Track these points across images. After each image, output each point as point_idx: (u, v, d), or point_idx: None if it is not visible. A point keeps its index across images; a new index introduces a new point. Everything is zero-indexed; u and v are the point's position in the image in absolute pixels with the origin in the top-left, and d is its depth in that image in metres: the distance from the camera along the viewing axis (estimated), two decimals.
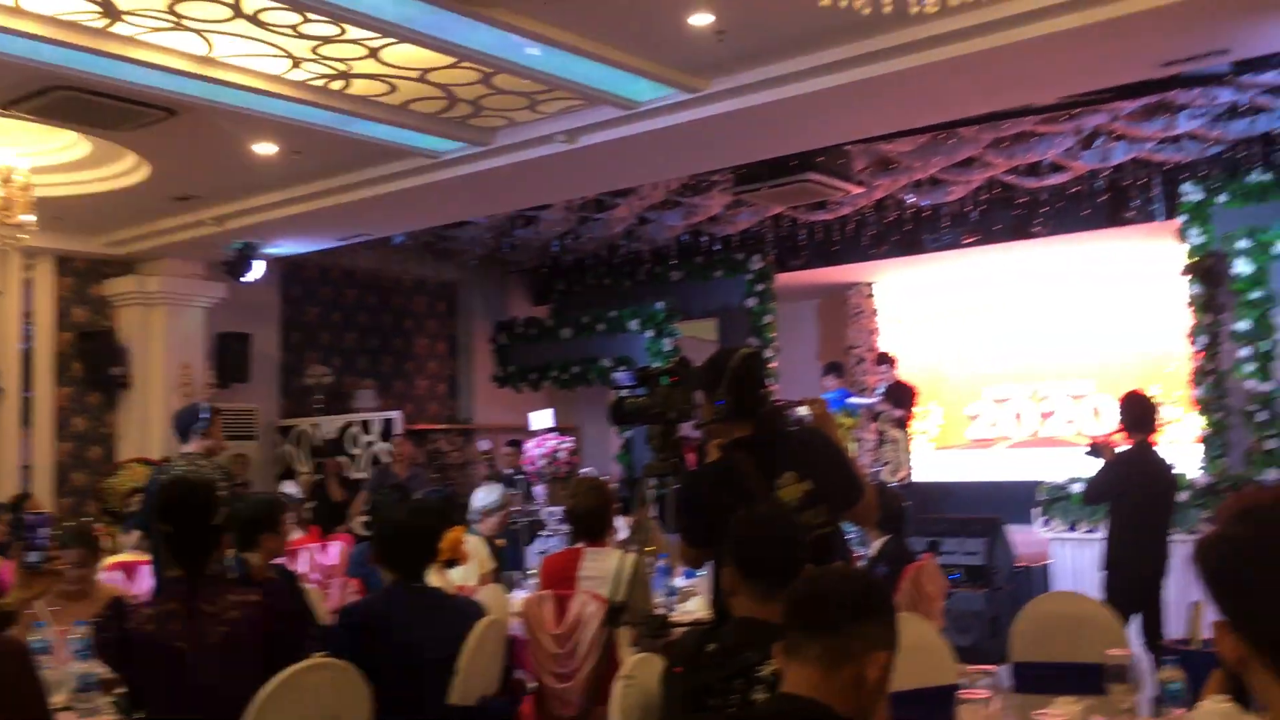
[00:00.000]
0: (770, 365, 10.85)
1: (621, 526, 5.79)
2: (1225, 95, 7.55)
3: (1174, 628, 7.00)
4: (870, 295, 12.79)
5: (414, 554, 3.82)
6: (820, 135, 7.34)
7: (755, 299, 11.33)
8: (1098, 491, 6.54)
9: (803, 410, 3.92)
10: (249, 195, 8.55)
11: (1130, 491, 6.29)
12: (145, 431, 9.88)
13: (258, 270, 9.76)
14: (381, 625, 3.62)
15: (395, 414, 10.78)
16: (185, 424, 5.84)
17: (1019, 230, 10.17)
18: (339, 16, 5.35)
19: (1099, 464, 6.51)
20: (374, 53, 5.92)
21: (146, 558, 6.43)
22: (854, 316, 12.80)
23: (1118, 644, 3.47)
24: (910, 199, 9.72)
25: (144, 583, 6.24)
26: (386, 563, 3.80)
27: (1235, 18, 5.32)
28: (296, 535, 7.52)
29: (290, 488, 9.29)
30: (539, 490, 10.35)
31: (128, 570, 6.54)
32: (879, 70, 5.88)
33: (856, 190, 8.90)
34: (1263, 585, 1.32)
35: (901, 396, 10.36)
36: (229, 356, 10.50)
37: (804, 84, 6.12)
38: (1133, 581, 6.21)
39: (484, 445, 11.30)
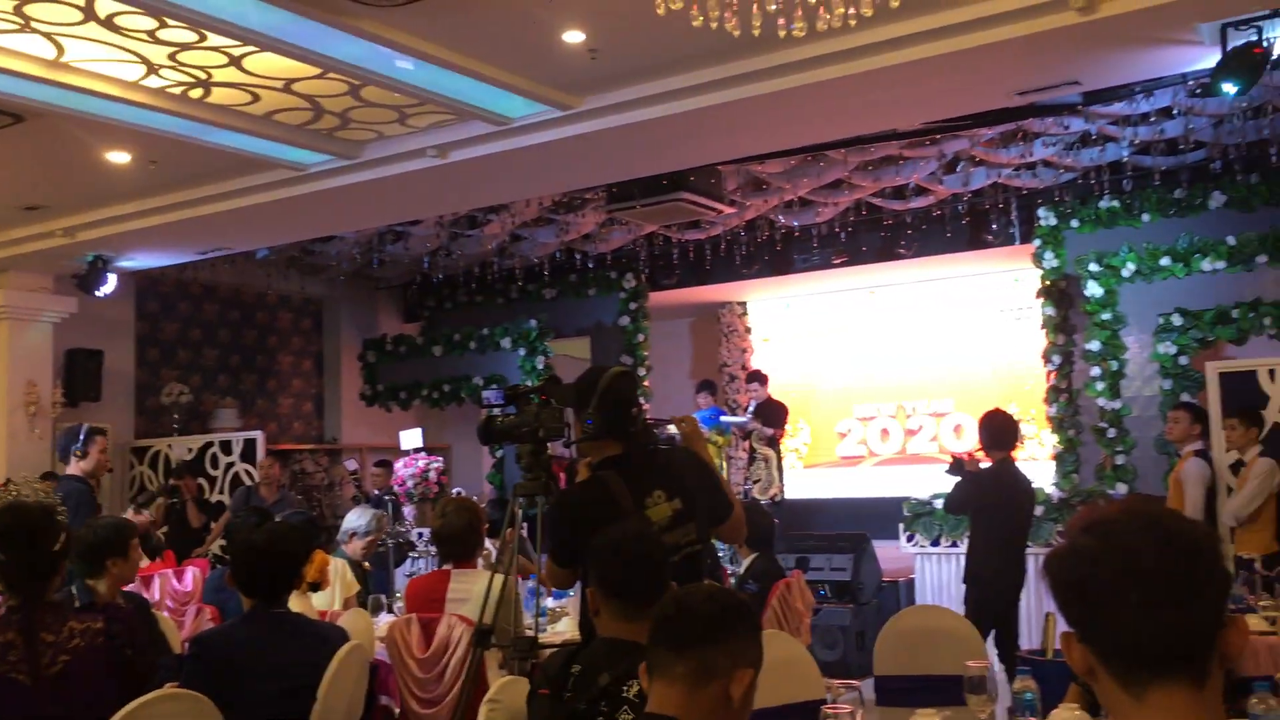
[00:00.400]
0: (643, 384, 10.89)
1: (491, 547, 5.71)
2: (1077, 124, 7.87)
3: (1030, 640, 7.24)
4: (743, 314, 12.95)
5: (274, 578, 3.69)
6: (692, 155, 7.41)
7: (628, 317, 11.37)
8: (958, 503, 6.71)
9: (673, 428, 3.94)
10: (102, 206, 8.20)
11: (991, 507, 6.48)
12: None
13: (111, 284, 9.37)
14: (237, 653, 3.48)
15: (257, 434, 10.46)
16: (63, 446, 5.78)
17: (885, 251, 10.44)
18: (198, 23, 5.18)
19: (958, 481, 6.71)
20: (236, 61, 5.75)
21: None
22: (726, 335, 12.94)
23: (976, 655, 3.55)
24: (781, 219, 9.89)
25: None
26: (245, 587, 3.67)
27: (1084, 51, 5.56)
28: (146, 561, 7.20)
29: (132, 511, 8.90)
30: (408, 511, 10.16)
31: None
32: (749, 92, 5.97)
33: (728, 210, 9.00)
34: (1107, 596, 1.35)
35: (773, 415, 10.50)
36: (79, 374, 10.04)
37: (676, 104, 6.18)
38: (994, 594, 6.40)
39: (350, 465, 11.05)
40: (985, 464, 6.51)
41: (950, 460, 6.83)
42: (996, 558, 6.48)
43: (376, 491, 10.16)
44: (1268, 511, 6.50)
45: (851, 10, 4.00)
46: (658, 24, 5.15)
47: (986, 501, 6.48)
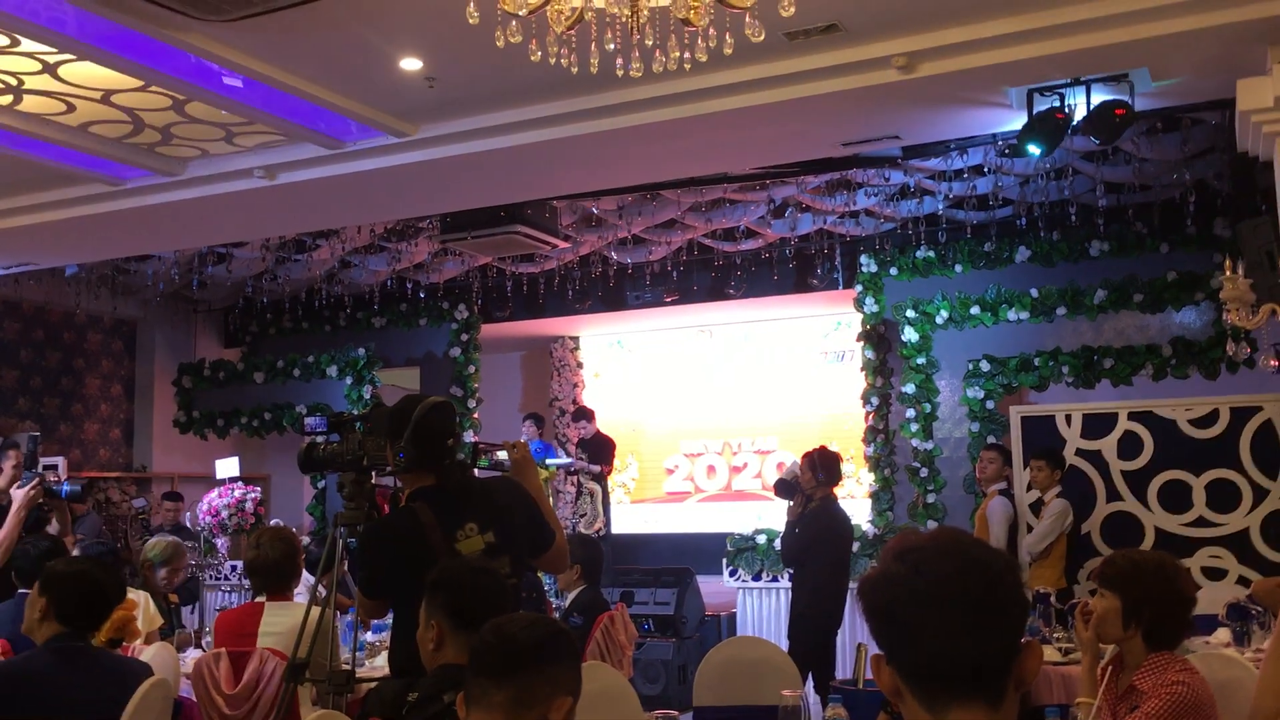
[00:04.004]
0: (473, 416, 10.79)
1: (309, 578, 5.55)
2: (897, 177, 8.24)
3: (844, 670, 7.46)
4: (575, 349, 12.99)
5: (79, 608, 3.49)
6: (528, 188, 7.43)
7: (459, 349, 11.24)
8: (794, 552, 6.87)
9: (503, 454, 3.91)
10: None
11: (819, 546, 6.67)
12: None
13: None
14: (29, 688, 3.28)
15: (58, 460, 9.87)
16: None
17: (715, 291, 10.66)
18: (11, 27, 4.92)
19: (785, 504, 6.89)
20: (51, 68, 5.49)
21: None
22: (558, 369, 12.95)
23: (792, 685, 3.63)
24: (614, 256, 9.99)
25: None
26: (61, 615, 3.46)
27: (904, 107, 5.85)
28: None
29: None
30: (221, 543, 9.76)
31: None
32: (586, 129, 6.03)
33: (563, 245, 9.05)
34: (912, 619, 1.41)
35: (600, 450, 10.55)
36: None
37: (513, 136, 6.19)
38: (820, 631, 6.60)
39: (139, 504, 10.56)
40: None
41: (780, 478, 7.03)
42: (826, 598, 6.67)
43: (186, 523, 9.73)
44: (1058, 549, 6.89)
45: (687, 55, 4.10)
46: (497, 56, 5.15)
47: (817, 543, 6.67)
